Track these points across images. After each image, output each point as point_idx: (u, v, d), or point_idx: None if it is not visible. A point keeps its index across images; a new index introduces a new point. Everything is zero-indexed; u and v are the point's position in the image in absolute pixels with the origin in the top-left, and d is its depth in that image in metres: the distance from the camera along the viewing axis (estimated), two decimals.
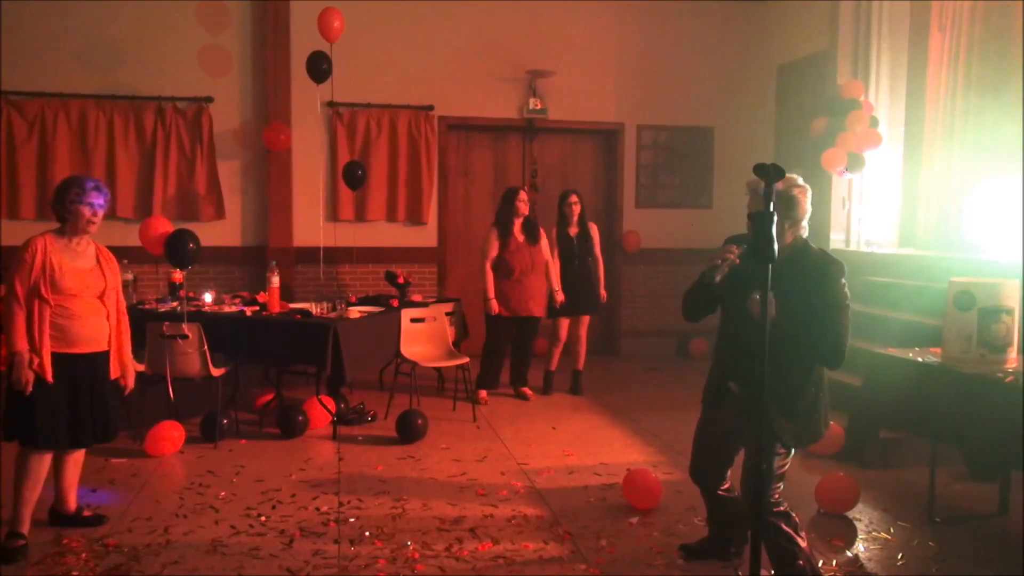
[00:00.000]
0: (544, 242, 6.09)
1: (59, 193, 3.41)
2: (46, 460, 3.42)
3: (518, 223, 5.99)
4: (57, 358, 3.33)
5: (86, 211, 3.39)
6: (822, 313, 2.69)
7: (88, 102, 6.75)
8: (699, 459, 3.17)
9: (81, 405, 3.43)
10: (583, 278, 6.23)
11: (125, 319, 3.63)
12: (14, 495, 3.38)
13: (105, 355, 3.52)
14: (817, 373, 2.83)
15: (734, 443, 3.06)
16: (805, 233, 2.84)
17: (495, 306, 5.90)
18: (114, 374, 3.57)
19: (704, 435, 3.15)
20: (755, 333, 2.49)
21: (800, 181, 2.80)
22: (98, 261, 3.51)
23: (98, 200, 3.42)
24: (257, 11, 7.01)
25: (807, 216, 2.82)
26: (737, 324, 2.88)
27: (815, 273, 2.74)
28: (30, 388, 3.25)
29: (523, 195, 6.01)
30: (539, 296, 6.04)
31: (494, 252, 5.94)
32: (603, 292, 6.37)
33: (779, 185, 2.52)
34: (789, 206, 2.74)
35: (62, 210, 3.39)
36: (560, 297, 6.11)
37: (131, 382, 3.67)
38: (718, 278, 2.67)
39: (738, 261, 2.67)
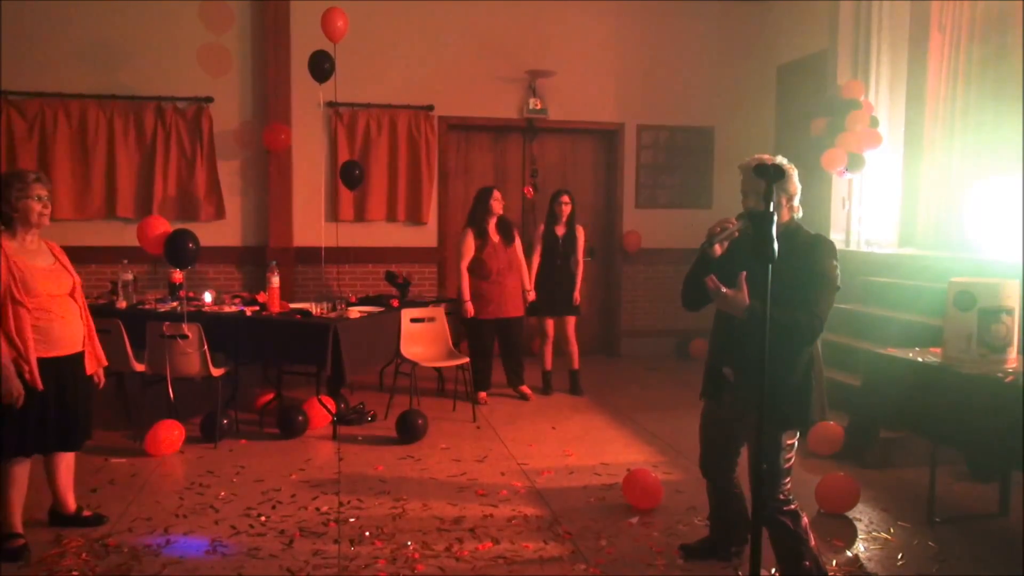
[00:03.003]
0: (518, 242, 6.06)
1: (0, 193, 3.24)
2: (28, 465, 3.35)
3: (492, 223, 5.95)
4: (40, 363, 3.20)
5: (35, 205, 3.25)
6: (804, 284, 2.69)
7: (88, 102, 6.74)
8: (705, 452, 3.18)
9: (65, 408, 3.35)
10: (564, 278, 6.23)
11: (89, 313, 3.52)
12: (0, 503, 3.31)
13: (82, 355, 3.43)
14: (806, 354, 2.81)
15: (734, 433, 3.06)
16: (799, 214, 2.87)
17: (470, 309, 5.84)
18: (91, 370, 3.48)
19: (706, 428, 3.16)
20: (748, 318, 2.58)
21: (786, 161, 2.82)
22: (55, 258, 3.37)
23: (43, 192, 3.27)
24: (257, 11, 7.01)
25: (798, 195, 2.85)
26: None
27: (804, 250, 2.76)
28: (22, 401, 3.14)
29: (497, 194, 5.96)
30: (516, 296, 6.02)
31: (470, 253, 5.87)
32: (577, 295, 6.30)
33: (767, 160, 2.68)
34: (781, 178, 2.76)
35: (8, 210, 3.23)
36: (531, 296, 6.11)
37: (103, 377, 3.59)
38: (718, 248, 2.73)
39: (737, 234, 2.72)
